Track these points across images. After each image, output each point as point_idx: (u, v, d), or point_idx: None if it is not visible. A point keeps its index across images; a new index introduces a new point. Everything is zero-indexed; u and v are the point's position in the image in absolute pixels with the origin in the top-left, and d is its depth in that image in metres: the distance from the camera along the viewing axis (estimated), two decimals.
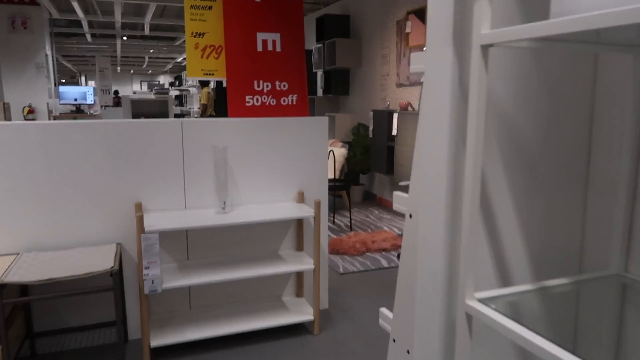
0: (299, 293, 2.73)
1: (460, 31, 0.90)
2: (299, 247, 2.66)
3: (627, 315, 0.97)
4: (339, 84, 6.50)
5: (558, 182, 1.06)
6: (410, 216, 1.26)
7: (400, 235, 4.61)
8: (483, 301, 0.87)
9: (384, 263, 3.81)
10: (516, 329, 0.77)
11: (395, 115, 4.89)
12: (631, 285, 0.98)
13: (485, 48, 0.78)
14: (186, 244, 2.42)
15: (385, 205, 5.78)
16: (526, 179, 1.02)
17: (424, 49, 4.69)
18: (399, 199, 1.39)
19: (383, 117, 5.20)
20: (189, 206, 2.39)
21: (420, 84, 5.03)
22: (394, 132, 4.94)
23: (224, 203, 2.33)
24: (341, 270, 3.61)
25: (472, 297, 0.88)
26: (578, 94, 1.04)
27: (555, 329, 1.03)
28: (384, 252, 4.10)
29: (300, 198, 2.61)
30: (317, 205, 2.35)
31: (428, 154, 0.98)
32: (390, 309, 1.22)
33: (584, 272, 1.13)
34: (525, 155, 1.01)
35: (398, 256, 3.93)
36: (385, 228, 4.87)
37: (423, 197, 1.02)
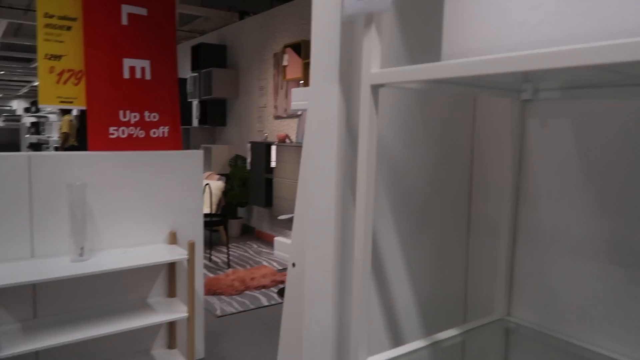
0: (171, 344, 2.46)
1: (347, 69, 0.84)
2: (171, 293, 2.41)
3: (510, 357, 0.96)
4: (216, 114, 6.33)
5: (444, 228, 1.04)
6: (294, 265, 1.16)
7: (281, 270, 4.50)
8: None
9: (264, 301, 3.67)
10: None
11: (274, 147, 4.84)
12: (514, 330, 0.97)
13: (375, 88, 0.72)
14: (33, 300, 2.05)
15: (264, 239, 5.65)
16: (413, 226, 0.98)
17: (301, 82, 4.72)
18: (280, 245, 1.28)
19: (261, 149, 5.13)
20: (37, 254, 2.04)
21: (298, 116, 5.06)
22: (273, 164, 4.88)
23: (82, 249, 2.02)
24: (218, 312, 3.39)
25: None
26: (460, 137, 1.04)
27: None
28: (263, 289, 3.95)
29: (173, 239, 2.38)
30: (191, 247, 2.15)
31: (314, 202, 0.90)
32: (272, 352, 1.11)
33: (469, 319, 1.12)
34: (413, 201, 0.97)
35: (279, 293, 3.81)
36: (264, 263, 4.73)
37: (309, 248, 0.92)
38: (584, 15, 0.54)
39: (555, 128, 0.93)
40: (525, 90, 0.94)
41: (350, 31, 0.84)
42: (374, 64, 0.72)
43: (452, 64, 0.62)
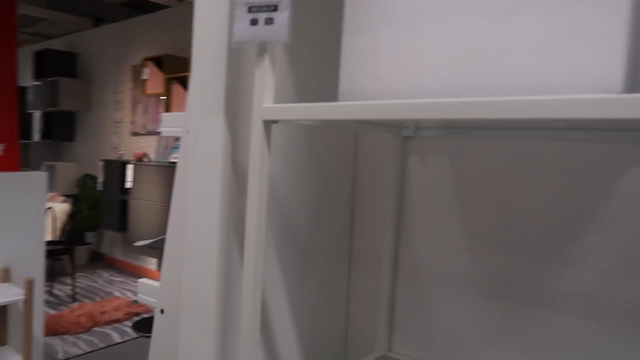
0: None
1: (234, 101, 0.77)
2: (2, 340, 2.04)
3: None
4: (62, 128, 5.68)
5: (326, 265, 1.00)
6: (162, 311, 1.03)
7: (137, 302, 4.13)
8: None
9: (116, 337, 3.31)
10: None
11: (130, 166, 4.48)
12: None
13: (268, 124, 0.66)
14: None
15: (117, 266, 5.17)
16: (298, 265, 0.93)
17: (163, 98, 4.42)
18: (145, 288, 1.14)
19: (115, 168, 4.71)
20: None
21: (157, 133, 4.77)
22: (128, 184, 4.50)
23: None
24: (61, 356, 2.97)
25: None
26: (342, 172, 1.02)
27: None
28: (116, 324, 3.57)
29: (5, 276, 2.02)
30: (29, 285, 1.84)
31: (194, 244, 0.80)
32: None
33: (350, 356, 1.09)
34: (298, 239, 0.92)
35: (134, 326, 3.47)
36: (117, 294, 4.31)
37: (187, 294, 0.82)
38: (483, 66, 0.54)
39: (434, 165, 0.96)
40: (407, 128, 0.96)
41: (237, 59, 0.77)
42: (267, 98, 0.66)
43: (350, 106, 0.59)
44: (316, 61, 0.92)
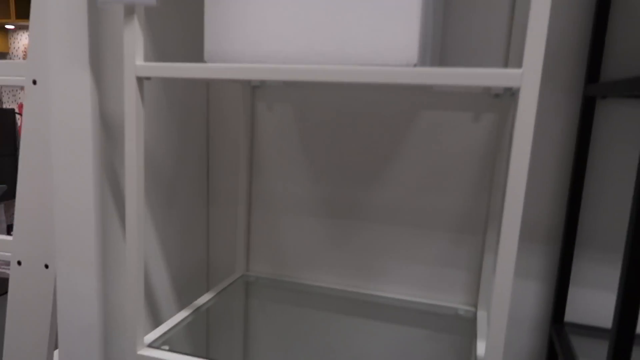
0: None
1: (97, 54, 0.80)
2: None
3: (251, 307, 1.14)
4: None
5: (187, 203, 1.11)
6: (19, 263, 1.04)
7: None
8: (154, 345, 0.83)
9: None
10: None
11: None
12: (254, 282, 1.16)
13: (141, 80, 0.73)
14: None
15: None
16: (164, 202, 1.02)
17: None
18: None
19: None
20: None
21: None
22: None
23: None
24: None
25: (144, 345, 0.82)
26: (196, 119, 1.12)
27: (210, 343, 1.09)
28: None
29: None
30: None
31: (66, 197, 0.83)
32: None
33: (212, 280, 1.24)
34: (161, 182, 1.01)
35: None
36: None
37: (63, 245, 0.86)
38: (321, 39, 0.70)
39: (279, 110, 1.11)
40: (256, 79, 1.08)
41: (96, 12, 0.80)
42: (138, 57, 0.72)
43: (217, 67, 0.70)
44: (173, 23, 0.97)
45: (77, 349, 0.88)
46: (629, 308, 0.57)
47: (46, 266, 0.99)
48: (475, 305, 1.07)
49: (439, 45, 0.95)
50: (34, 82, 0.95)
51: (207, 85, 1.15)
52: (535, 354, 1.05)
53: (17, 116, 3.78)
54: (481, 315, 1.02)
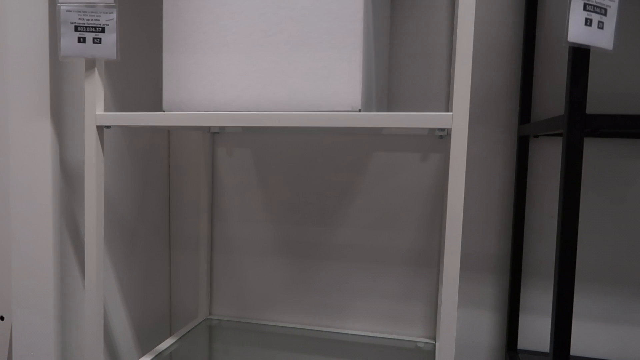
0: None
1: (58, 104, 0.83)
2: None
3: (215, 350, 1.14)
4: None
5: (149, 249, 1.12)
6: (2, 318, 1.02)
7: None
8: None
9: None
10: None
11: None
12: (217, 325, 1.16)
13: (101, 129, 0.76)
14: None
15: None
16: (126, 250, 1.03)
17: None
18: None
19: None
20: None
21: None
22: None
23: None
24: None
25: None
26: (158, 165, 1.14)
27: None
28: None
29: None
30: None
31: (22, 245, 0.84)
32: None
33: (175, 326, 1.23)
34: (123, 228, 1.02)
35: None
36: None
37: (16, 295, 0.85)
38: (274, 87, 0.76)
39: (238, 155, 1.16)
40: (214, 126, 1.13)
41: (56, 64, 0.84)
42: (99, 106, 0.76)
43: (175, 116, 0.75)
44: (132, 73, 1.01)
45: None
46: (561, 333, 0.62)
47: (2, 318, 0.98)
48: (434, 338, 1.10)
49: (386, 93, 1.02)
50: None
51: (168, 133, 1.19)
52: None
53: None
54: (440, 347, 1.05)
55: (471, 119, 1.04)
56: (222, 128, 1.14)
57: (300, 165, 1.13)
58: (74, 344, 0.90)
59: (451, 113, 0.65)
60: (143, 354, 1.11)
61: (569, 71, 0.59)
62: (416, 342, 1.09)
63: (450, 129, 0.65)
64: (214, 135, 1.17)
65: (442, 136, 1.06)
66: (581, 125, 0.59)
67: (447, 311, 0.67)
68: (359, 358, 1.05)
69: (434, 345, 1.07)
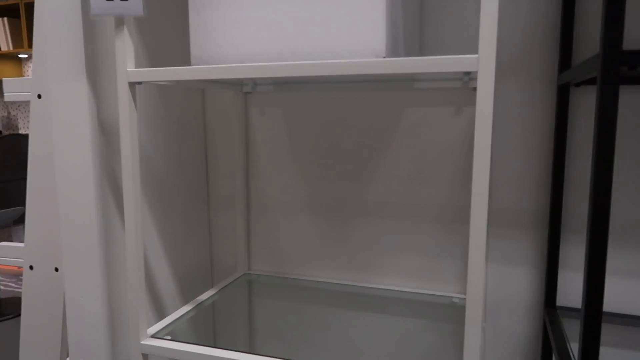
0: None
1: (93, 64, 0.86)
2: None
3: (254, 303, 1.18)
4: None
5: (188, 204, 1.16)
6: (32, 268, 1.10)
7: None
8: (157, 336, 0.88)
9: None
10: (201, 350, 0.82)
11: None
12: (255, 280, 1.20)
13: (133, 85, 0.79)
14: None
15: None
16: (164, 208, 1.07)
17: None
18: (6, 250, 1.18)
19: None
20: None
21: None
22: None
23: None
24: None
25: (147, 335, 0.87)
26: (193, 126, 1.17)
27: (215, 335, 1.14)
28: None
29: None
30: None
31: (70, 201, 0.89)
32: None
33: (216, 279, 1.29)
34: (160, 188, 1.06)
35: None
36: None
37: (68, 246, 0.91)
38: (297, 38, 0.75)
39: (271, 114, 1.17)
40: (246, 84, 1.14)
41: (90, 26, 0.86)
42: (130, 63, 0.78)
43: (202, 69, 0.76)
44: (162, 29, 1.03)
45: (86, 343, 0.93)
46: (593, 288, 0.60)
47: (56, 269, 1.05)
48: None
49: (417, 45, 1.00)
50: (39, 97, 1.01)
51: (202, 93, 1.21)
52: (531, 338, 1.07)
53: None
54: (468, 301, 1.05)
55: (506, 69, 1.00)
56: (254, 87, 1.15)
57: (332, 123, 1.13)
58: (119, 291, 0.96)
59: (477, 55, 0.63)
60: (185, 303, 1.16)
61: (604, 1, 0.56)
62: (451, 297, 1.09)
63: (476, 72, 0.63)
64: (246, 95, 1.18)
65: (476, 88, 1.03)
66: (616, 60, 0.55)
67: (475, 265, 0.66)
68: (394, 313, 1.06)
69: None
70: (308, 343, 1.03)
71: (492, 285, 1.07)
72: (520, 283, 1.06)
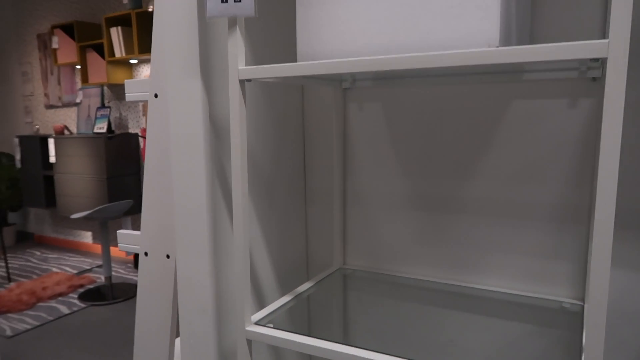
0: None
1: (207, 64, 0.91)
2: None
3: (349, 297, 1.18)
4: None
5: (286, 202, 1.19)
6: (146, 254, 1.18)
7: (78, 274, 4.12)
8: (260, 323, 0.91)
9: (64, 309, 3.34)
10: (299, 339, 0.84)
11: (51, 141, 4.33)
12: (350, 275, 1.20)
13: (243, 83, 0.82)
14: None
15: (48, 244, 5.05)
16: (265, 202, 1.11)
17: (78, 67, 4.23)
18: (125, 237, 1.28)
19: (34, 144, 4.52)
20: None
21: (76, 104, 4.61)
22: (52, 159, 4.36)
23: None
24: (9, 332, 2.97)
25: (251, 322, 0.90)
26: (292, 122, 1.20)
27: (311, 326, 1.16)
28: (60, 298, 3.58)
29: None
30: None
31: (184, 193, 0.95)
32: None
33: (311, 273, 1.31)
34: (262, 182, 1.10)
35: (81, 297, 3.50)
36: (54, 269, 4.26)
37: (182, 235, 0.98)
38: (405, 30, 0.74)
39: (370, 110, 1.17)
40: (345, 80, 1.15)
41: (204, 29, 0.91)
42: (240, 61, 0.82)
43: (312, 65, 0.77)
44: (270, 29, 1.07)
45: (196, 327, 0.99)
46: None
47: (167, 256, 1.12)
48: (582, 299, 1.02)
49: (527, 33, 0.94)
50: (156, 96, 1.09)
51: (302, 90, 1.23)
52: None
53: (140, 139, 4.24)
54: (589, 308, 0.97)
55: (633, 57, 0.92)
56: (353, 83, 1.15)
57: (433, 117, 1.10)
58: (226, 280, 1.01)
59: (607, 40, 0.58)
60: (283, 294, 1.20)
61: None
62: (561, 302, 1.02)
63: (606, 59, 0.58)
64: (345, 91, 1.19)
65: (596, 78, 0.95)
66: None
67: (599, 267, 0.61)
68: (498, 315, 1.02)
69: (582, 306, 0.99)
70: (402, 339, 1.02)
71: (612, 290, 0.99)
72: None
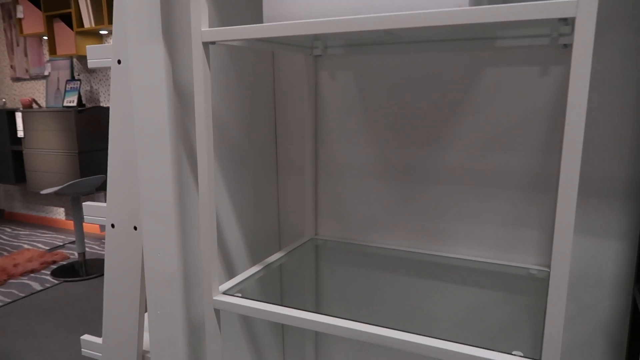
0: None
1: (169, 27, 0.87)
2: None
3: (321, 267, 1.18)
4: None
5: (257, 171, 1.17)
6: (113, 226, 1.15)
7: (50, 250, 4.05)
8: (228, 292, 0.90)
9: (37, 286, 3.29)
10: (269, 307, 0.83)
11: (19, 115, 4.19)
12: (322, 245, 1.20)
13: (206, 45, 0.79)
14: None
15: (19, 220, 4.94)
16: (235, 171, 1.09)
17: (45, 38, 4.06)
18: (91, 209, 1.24)
19: (1, 118, 4.37)
20: None
21: (44, 77, 4.46)
22: (20, 133, 4.23)
23: None
24: None
25: (219, 292, 0.89)
26: (263, 89, 1.17)
27: (283, 296, 1.16)
28: (32, 274, 3.52)
29: None
30: None
31: (148, 160, 0.92)
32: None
33: (284, 243, 1.30)
34: (232, 150, 1.08)
35: (54, 274, 3.45)
36: (25, 246, 4.17)
37: (147, 205, 0.95)
38: None
39: (341, 78, 1.14)
40: (316, 47, 1.12)
41: None
42: (204, 23, 0.78)
43: (276, 26, 0.74)
44: None
45: (163, 297, 0.97)
46: None
47: (135, 228, 1.10)
48: (549, 266, 1.03)
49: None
50: (119, 62, 1.05)
51: (272, 58, 1.20)
52: (619, 315, 1.00)
53: None
54: (553, 274, 0.99)
55: (599, 24, 0.91)
56: (324, 50, 1.12)
57: (405, 85, 1.09)
58: (193, 249, 0.99)
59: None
60: (254, 264, 1.19)
61: None
62: (529, 269, 1.03)
63: (575, 19, 0.57)
64: (316, 59, 1.16)
65: (567, 45, 0.95)
66: None
67: (562, 234, 0.62)
68: (467, 283, 1.03)
69: (549, 273, 1.01)
70: (374, 308, 1.02)
71: (576, 257, 1.01)
72: (608, 256, 0.98)
